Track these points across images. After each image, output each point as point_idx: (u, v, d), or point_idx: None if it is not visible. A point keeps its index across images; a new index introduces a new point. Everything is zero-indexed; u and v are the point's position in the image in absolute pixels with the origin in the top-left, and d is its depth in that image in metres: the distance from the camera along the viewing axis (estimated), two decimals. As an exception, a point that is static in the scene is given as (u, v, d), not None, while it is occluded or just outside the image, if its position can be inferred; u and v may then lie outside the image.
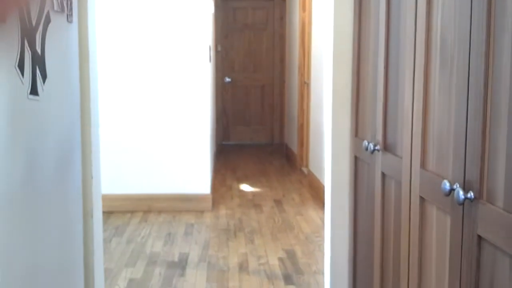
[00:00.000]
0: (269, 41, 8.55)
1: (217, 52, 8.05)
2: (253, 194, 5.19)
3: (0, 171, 1.48)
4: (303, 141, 6.15)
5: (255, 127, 9.00)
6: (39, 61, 1.78)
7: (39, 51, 1.78)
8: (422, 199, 1.62)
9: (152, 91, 4.44)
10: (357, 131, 2.42)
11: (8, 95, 1.55)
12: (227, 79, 8.53)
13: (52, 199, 1.91)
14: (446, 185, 1.37)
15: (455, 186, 1.35)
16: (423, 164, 1.62)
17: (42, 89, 1.81)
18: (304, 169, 6.06)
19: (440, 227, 1.50)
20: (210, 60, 4.78)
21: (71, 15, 2.11)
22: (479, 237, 1.25)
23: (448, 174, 1.44)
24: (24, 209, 1.67)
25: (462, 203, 1.30)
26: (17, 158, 1.61)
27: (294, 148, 6.77)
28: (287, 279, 3.11)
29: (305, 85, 6.00)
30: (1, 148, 1.49)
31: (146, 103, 4.45)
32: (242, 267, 3.25)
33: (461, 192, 1.29)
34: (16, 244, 1.61)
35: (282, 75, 8.23)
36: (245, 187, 5.48)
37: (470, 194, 1.28)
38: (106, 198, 4.19)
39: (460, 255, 1.35)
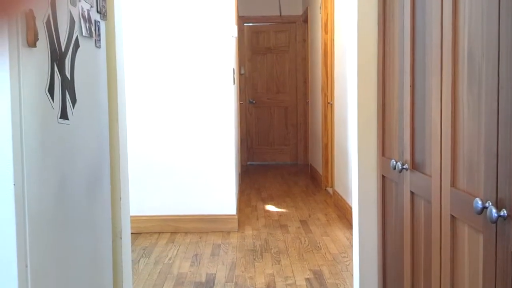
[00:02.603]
0: (291, 63, 8.59)
1: (240, 74, 8.10)
2: (279, 214, 5.17)
3: (32, 193, 1.51)
4: (327, 161, 6.12)
5: (279, 148, 8.99)
6: (68, 86, 1.82)
7: (68, 76, 1.82)
8: (453, 218, 1.60)
9: (178, 114, 4.48)
10: (383, 150, 2.40)
11: (38, 120, 1.58)
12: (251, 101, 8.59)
13: (82, 220, 1.93)
14: (478, 203, 1.35)
15: (487, 204, 1.33)
16: (453, 183, 1.60)
17: (72, 113, 1.84)
18: (329, 189, 6.02)
19: (473, 246, 1.47)
20: (234, 83, 4.81)
21: (99, 40, 2.16)
22: (514, 255, 1.23)
23: (479, 192, 1.42)
24: (55, 230, 1.69)
25: (495, 221, 1.28)
26: (48, 181, 1.64)
27: (319, 168, 6.74)
28: (315, 300, 3.07)
29: (328, 105, 6.00)
30: (33, 171, 1.52)
31: (172, 126, 4.49)
32: (270, 289, 3.23)
33: (494, 210, 1.27)
34: (48, 264, 1.62)
35: (305, 96, 8.25)
36: (270, 208, 5.47)
37: (503, 212, 1.25)
38: (133, 220, 4.21)
39: (494, 274, 1.32)
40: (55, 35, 1.70)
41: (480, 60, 1.41)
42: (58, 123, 1.72)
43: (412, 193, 2.00)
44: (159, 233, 4.46)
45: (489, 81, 1.35)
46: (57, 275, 1.69)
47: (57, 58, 1.72)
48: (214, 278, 3.41)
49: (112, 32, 2.33)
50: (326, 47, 6.04)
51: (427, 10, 1.82)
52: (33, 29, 1.49)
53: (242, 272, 3.51)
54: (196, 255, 3.90)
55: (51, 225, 1.65)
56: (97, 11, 2.14)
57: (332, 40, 5.71)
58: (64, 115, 1.77)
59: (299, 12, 8.30)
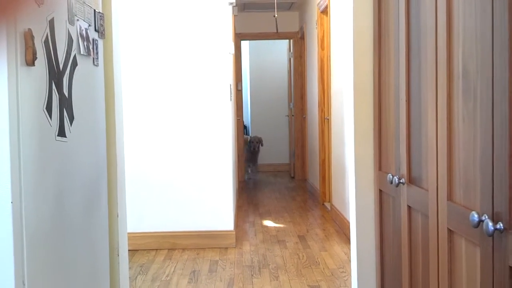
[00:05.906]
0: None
1: (237, 90, 8.13)
2: (277, 229, 5.16)
3: (30, 210, 1.51)
4: (325, 176, 6.13)
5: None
6: (66, 104, 1.83)
7: (66, 94, 1.83)
8: (450, 231, 1.61)
9: (175, 130, 4.49)
10: (380, 165, 2.41)
11: (36, 137, 1.58)
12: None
13: (80, 237, 1.93)
14: (475, 216, 1.36)
15: (483, 218, 1.34)
16: (450, 196, 1.61)
17: (70, 131, 1.85)
18: (327, 204, 6.02)
19: (470, 259, 1.48)
20: (230, 99, 4.83)
21: (97, 58, 2.17)
22: (511, 268, 1.23)
23: (476, 206, 1.43)
24: (52, 247, 1.68)
25: (491, 235, 1.28)
26: (46, 198, 1.64)
27: (316, 183, 6.74)
28: (314, 316, 3.06)
29: (325, 120, 6.02)
30: (30, 189, 1.52)
31: (169, 142, 4.49)
32: (268, 305, 3.22)
33: (490, 224, 1.28)
34: (45, 281, 1.62)
35: (303, 111, 8.28)
36: (268, 223, 5.46)
37: (500, 225, 1.26)
38: (130, 237, 4.20)
39: (491, 287, 1.32)
40: (53, 54, 1.71)
41: (475, 76, 1.42)
42: (56, 140, 1.73)
43: (409, 207, 2.01)
44: (157, 249, 4.45)
45: (483, 97, 1.36)
46: (55, 293, 1.69)
47: (55, 76, 1.73)
48: (212, 294, 3.40)
49: (110, 50, 2.34)
50: (322, 63, 6.08)
51: (421, 26, 1.84)
52: (31, 48, 1.50)
53: (240, 289, 3.50)
54: (193, 271, 3.88)
55: (49, 242, 1.65)
56: (95, 30, 2.16)
57: (329, 56, 5.74)
58: (61, 133, 1.78)
59: (296, 28, 8.35)
